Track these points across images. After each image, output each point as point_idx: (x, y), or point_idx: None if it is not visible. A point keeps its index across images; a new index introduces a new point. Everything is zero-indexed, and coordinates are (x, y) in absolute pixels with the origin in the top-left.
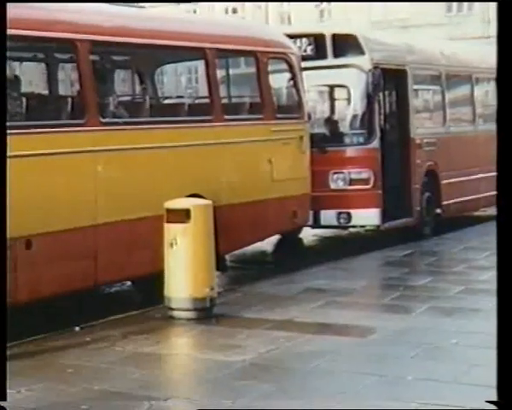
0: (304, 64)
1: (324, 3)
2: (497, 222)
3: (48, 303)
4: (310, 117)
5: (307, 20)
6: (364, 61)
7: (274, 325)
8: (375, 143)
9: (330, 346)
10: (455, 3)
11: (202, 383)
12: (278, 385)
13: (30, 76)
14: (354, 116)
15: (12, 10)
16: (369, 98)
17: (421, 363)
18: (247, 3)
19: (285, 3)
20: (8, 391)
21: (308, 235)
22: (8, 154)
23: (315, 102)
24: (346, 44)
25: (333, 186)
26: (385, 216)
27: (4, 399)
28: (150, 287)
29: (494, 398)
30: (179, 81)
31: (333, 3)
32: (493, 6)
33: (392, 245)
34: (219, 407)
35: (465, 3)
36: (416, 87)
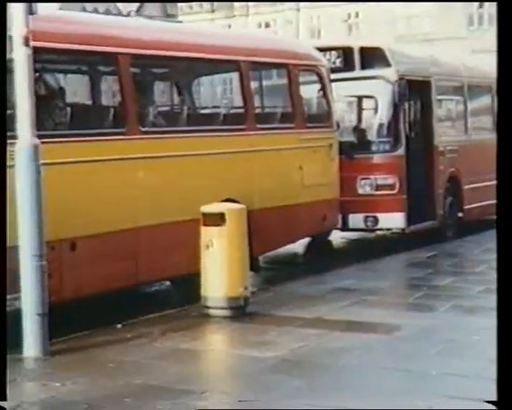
0: (333, 76)
1: (352, 18)
2: (496, 229)
3: (91, 302)
4: (338, 126)
5: (336, 33)
6: (391, 73)
7: (304, 322)
8: (401, 151)
9: (358, 343)
10: (476, 18)
11: (236, 377)
12: (308, 380)
13: (74, 87)
14: (381, 125)
15: (57, 25)
16: (395, 108)
17: (444, 359)
18: (278, 19)
19: (314, 18)
20: (54, 384)
21: (337, 237)
22: (54, 161)
23: (343, 112)
24: (373, 57)
25: (360, 191)
26: (410, 220)
27: (4, 399)
28: (187, 286)
29: None
30: (215, 92)
31: (360, 17)
32: None
33: (417, 247)
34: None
35: (486, 17)
36: (439, 97)
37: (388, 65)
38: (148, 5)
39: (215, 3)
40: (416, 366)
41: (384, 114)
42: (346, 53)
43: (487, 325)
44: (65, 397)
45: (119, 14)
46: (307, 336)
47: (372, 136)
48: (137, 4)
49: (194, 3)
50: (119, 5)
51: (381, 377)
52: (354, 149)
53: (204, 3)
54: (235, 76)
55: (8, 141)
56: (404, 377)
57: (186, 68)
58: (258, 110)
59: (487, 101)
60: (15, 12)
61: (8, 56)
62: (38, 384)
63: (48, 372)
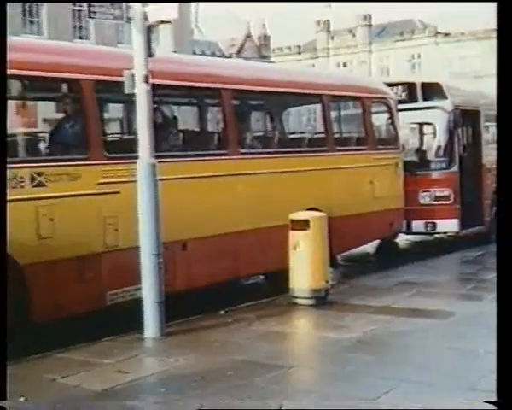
0: (399, 106)
1: (415, 58)
2: (497, 229)
3: (198, 292)
4: (403, 148)
5: (402, 71)
6: (447, 104)
7: (375, 310)
8: (455, 168)
9: (419, 326)
10: None
11: (318, 354)
12: (378, 357)
13: (185, 117)
14: (438, 147)
15: (171, 66)
16: (450, 133)
17: (490, 340)
18: (354, 59)
19: (384, 59)
20: (169, 360)
21: (402, 240)
22: (169, 177)
23: (407, 136)
24: (432, 91)
25: (421, 202)
26: (462, 225)
27: (4, 399)
28: (278, 280)
29: None
30: (301, 120)
31: (422, 58)
32: None
33: (468, 248)
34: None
35: None
36: (486, 124)
37: (445, 97)
38: (246, 48)
39: (301, 47)
40: (466, 345)
41: (441, 138)
42: (410, 87)
43: None
44: (178, 371)
45: (223, 55)
46: (377, 321)
47: (431, 156)
48: (237, 48)
49: (284, 47)
50: (222, 48)
51: (437, 355)
52: (416, 167)
53: (292, 47)
54: (318, 107)
55: (132, 160)
56: (456, 355)
57: (277, 101)
58: (337, 135)
59: None
60: (137, 54)
61: (131, 91)
62: (156, 360)
63: (164, 350)
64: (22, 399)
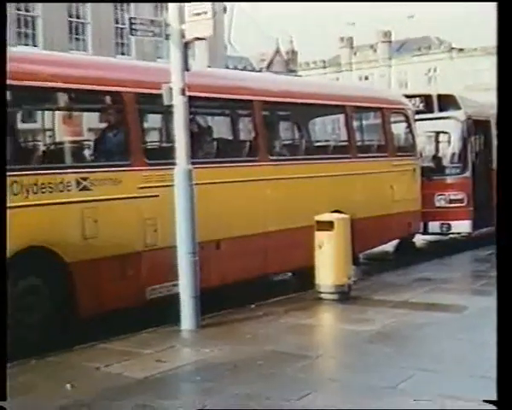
0: (417, 116)
1: (431, 72)
2: (497, 230)
3: (231, 287)
4: (420, 155)
5: (419, 84)
6: (460, 114)
7: (394, 304)
8: (468, 173)
9: (435, 319)
10: None
11: (342, 345)
12: (397, 348)
13: (219, 126)
14: (453, 154)
15: (206, 79)
16: (464, 141)
17: None
18: (375, 73)
19: (402, 72)
20: (204, 350)
21: (419, 239)
22: (204, 181)
23: (424, 144)
24: (447, 102)
25: (437, 204)
26: (475, 226)
27: (4, 399)
28: (304, 276)
29: None
30: (326, 129)
31: (437, 72)
32: None
33: (480, 247)
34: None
35: None
36: (497, 132)
37: (459, 108)
38: (275, 63)
39: (326, 61)
40: (478, 337)
41: (455, 146)
42: (427, 99)
43: None
44: (213, 360)
45: (253, 70)
46: (396, 315)
47: (446, 162)
48: (267, 62)
49: (310, 62)
50: (253, 62)
51: (452, 345)
52: (432, 172)
53: (318, 61)
54: (341, 117)
55: (170, 167)
56: (469, 345)
57: (304, 111)
58: (359, 143)
59: None
60: (174, 68)
61: (169, 103)
62: (192, 350)
63: (199, 341)
64: (68, 386)
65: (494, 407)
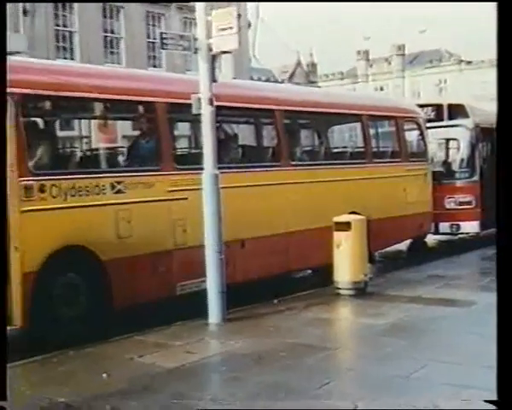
0: (428, 124)
1: (442, 83)
2: (497, 231)
3: (255, 284)
4: (432, 160)
5: (431, 94)
6: (469, 123)
7: (407, 299)
8: (476, 178)
9: (446, 313)
10: None
11: (359, 338)
12: (410, 340)
13: (244, 133)
14: (462, 159)
15: (232, 90)
16: (472, 147)
17: None
18: (390, 84)
19: (415, 83)
20: (230, 342)
21: (430, 239)
22: (230, 185)
23: (435, 150)
24: (456, 111)
25: (447, 206)
26: (482, 226)
27: (4, 399)
28: (324, 274)
29: None
30: (343, 136)
31: (448, 83)
32: None
33: (487, 246)
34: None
35: None
36: (496, 135)
37: (467, 117)
38: (296, 74)
39: (344, 73)
40: (486, 330)
41: (464, 152)
42: (437, 108)
43: None
44: (238, 351)
45: (276, 81)
46: (409, 309)
47: (455, 167)
48: (289, 74)
49: (329, 73)
50: (276, 74)
51: (461, 338)
52: (443, 176)
53: (336, 73)
54: (358, 125)
55: (198, 171)
56: (477, 338)
57: (323, 120)
58: (374, 149)
59: None
60: (202, 80)
61: (197, 112)
62: (218, 342)
63: (225, 334)
64: (105, 375)
65: (494, 407)
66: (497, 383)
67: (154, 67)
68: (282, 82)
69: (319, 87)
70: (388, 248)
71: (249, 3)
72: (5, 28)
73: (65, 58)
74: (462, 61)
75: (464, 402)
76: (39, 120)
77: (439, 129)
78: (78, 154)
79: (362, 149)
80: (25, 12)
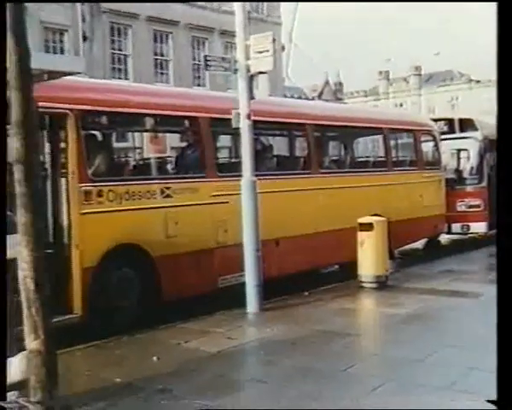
0: (442, 136)
1: (454, 100)
2: (497, 231)
3: (288, 278)
4: (445, 168)
5: (444, 110)
6: (478, 135)
7: (422, 291)
8: (484, 183)
9: (457, 304)
10: None
11: (379, 325)
12: (426, 327)
13: (278, 145)
14: (471, 167)
15: (268, 106)
16: (481, 157)
17: None
18: (408, 101)
19: (430, 100)
20: (265, 329)
21: (444, 238)
22: (266, 190)
23: (448, 159)
24: (467, 124)
25: (458, 209)
26: (490, 226)
27: (4, 399)
28: (349, 269)
29: None
30: (367, 147)
31: (459, 100)
32: None
33: (494, 245)
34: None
35: None
36: (496, 137)
37: (476, 129)
38: (324, 92)
39: (367, 91)
40: (491, 318)
41: (474, 161)
42: (450, 122)
43: None
44: (273, 337)
45: (307, 98)
46: (424, 300)
47: (466, 174)
48: (318, 92)
49: (354, 91)
50: (307, 92)
51: (471, 326)
52: (455, 182)
53: (360, 91)
54: (380, 137)
55: (237, 178)
56: (486, 326)
57: (349, 133)
58: (394, 158)
59: None
60: (241, 97)
61: (237, 126)
62: (256, 329)
63: (262, 322)
64: (155, 358)
65: (494, 407)
66: (497, 384)
67: (199, 86)
68: (313, 99)
69: (345, 104)
70: (406, 246)
71: (283, 29)
72: (5, 28)
73: (120, 78)
74: (471, 80)
75: (466, 402)
76: (98, 133)
77: (452, 140)
78: (132, 163)
79: (383, 159)
80: (84, 38)
